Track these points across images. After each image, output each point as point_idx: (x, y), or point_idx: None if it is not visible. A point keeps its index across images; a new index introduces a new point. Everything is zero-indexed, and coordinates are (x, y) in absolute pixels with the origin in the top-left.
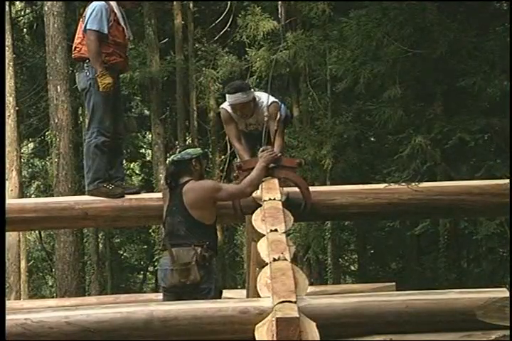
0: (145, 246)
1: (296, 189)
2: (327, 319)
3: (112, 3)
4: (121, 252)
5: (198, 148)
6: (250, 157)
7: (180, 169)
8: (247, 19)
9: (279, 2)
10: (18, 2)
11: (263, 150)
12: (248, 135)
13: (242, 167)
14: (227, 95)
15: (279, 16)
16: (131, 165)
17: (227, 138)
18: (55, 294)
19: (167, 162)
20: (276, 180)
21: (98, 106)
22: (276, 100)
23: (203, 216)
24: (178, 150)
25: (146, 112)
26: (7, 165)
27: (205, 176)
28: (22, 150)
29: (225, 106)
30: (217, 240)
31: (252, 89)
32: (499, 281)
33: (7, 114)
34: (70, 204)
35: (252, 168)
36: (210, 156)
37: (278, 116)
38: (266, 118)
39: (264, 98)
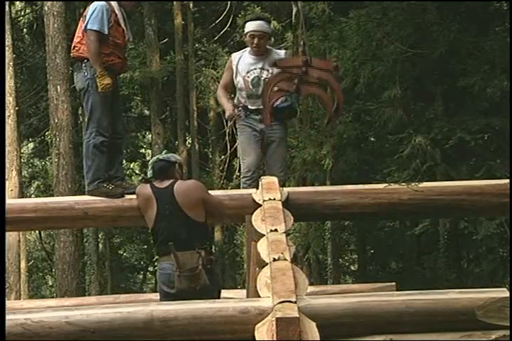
0: (145, 246)
1: (297, 189)
2: (327, 319)
3: (112, 3)
4: (121, 252)
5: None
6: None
7: (167, 168)
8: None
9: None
10: (18, 2)
11: None
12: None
13: (278, 64)
14: (248, 23)
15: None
16: (131, 165)
17: (227, 138)
18: (55, 294)
19: (151, 162)
20: (276, 180)
21: (96, 107)
22: None
23: (197, 214)
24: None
25: (146, 112)
26: (7, 165)
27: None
28: (22, 150)
29: (235, 53)
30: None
31: None
32: (499, 281)
33: (7, 114)
34: (70, 204)
35: (288, 67)
36: (210, 156)
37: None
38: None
39: (281, 52)
